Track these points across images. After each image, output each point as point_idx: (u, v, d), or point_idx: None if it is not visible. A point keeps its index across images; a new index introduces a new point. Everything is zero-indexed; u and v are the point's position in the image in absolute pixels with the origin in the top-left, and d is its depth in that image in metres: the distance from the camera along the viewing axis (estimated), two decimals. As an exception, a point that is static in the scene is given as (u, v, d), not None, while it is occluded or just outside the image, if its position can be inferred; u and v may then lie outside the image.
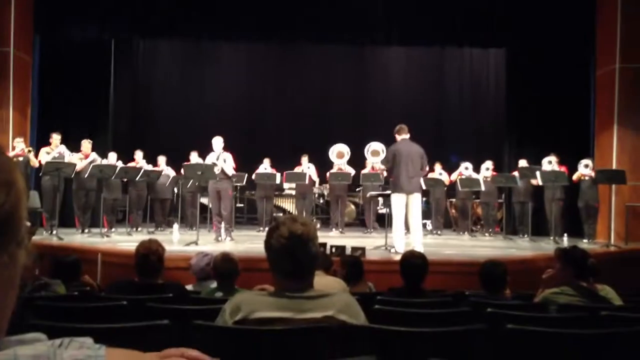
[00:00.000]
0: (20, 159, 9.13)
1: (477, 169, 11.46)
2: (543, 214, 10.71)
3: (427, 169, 8.01)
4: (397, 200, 7.53)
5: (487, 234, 11.26)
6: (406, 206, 7.52)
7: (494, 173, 11.09)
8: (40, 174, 9.17)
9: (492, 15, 10.61)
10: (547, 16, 10.48)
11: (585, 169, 9.78)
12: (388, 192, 7.94)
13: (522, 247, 9.18)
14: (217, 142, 8.87)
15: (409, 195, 7.47)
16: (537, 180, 9.78)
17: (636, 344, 2.38)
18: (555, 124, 11.12)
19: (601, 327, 2.64)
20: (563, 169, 9.83)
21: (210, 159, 8.81)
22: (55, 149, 9.51)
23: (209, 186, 8.87)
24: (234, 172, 9.09)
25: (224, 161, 8.73)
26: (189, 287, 4.25)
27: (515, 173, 10.42)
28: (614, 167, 9.71)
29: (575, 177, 9.85)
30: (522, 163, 10.55)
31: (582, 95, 11.04)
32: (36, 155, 9.51)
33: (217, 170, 8.57)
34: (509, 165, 11.67)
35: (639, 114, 9.86)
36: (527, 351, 2.38)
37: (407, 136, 7.65)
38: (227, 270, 3.73)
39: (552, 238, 9.50)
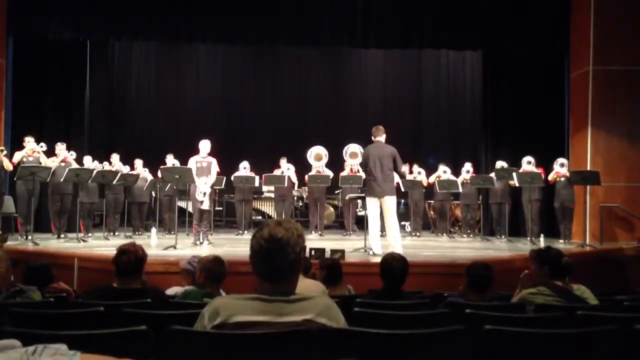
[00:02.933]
0: (-6, 162, 8.98)
1: (454, 170, 11.56)
2: (520, 214, 10.84)
3: (403, 168, 7.95)
4: (370, 203, 7.55)
5: (465, 235, 11.35)
6: (381, 209, 7.54)
7: (474, 175, 11.18)
8: (15, 178, 9.02)
9: (468, 18, 10.71)
10: (522, 19, 10.63)
11: (561, 168, 9.92)
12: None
13: (499, 247, 9.27)
14: (205, 145, 8.80)
15: (381, 199, 7.46)
16: (514, 182, 9.89)
17: (611, 342, 2.42)
18: (531, 125, 11.28)
19: (577, 326, 2.67)
20: (540, 170, 9.95)
21: (194, 160, 8.73)
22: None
23: (192, 189, 8.81)
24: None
25: (209, 164, 8.69)
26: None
27: (492, 174, 10.52)
28: (588, 168, 9.86)
29: (550, 177, 9.99)
30: (499, 164, 10.66)
31: (557, 97, 11.20)
32: (10, 157, 9.35)
33: (201, 197, 8.55)
34: (485, 166, 11.80)
35: (613, 116, 10.04)
36: (506, 351, 2.40)
37: (381, 138, 7.60)
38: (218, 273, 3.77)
39: (529, 239, 9.62)
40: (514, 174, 9.78)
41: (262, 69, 15.03)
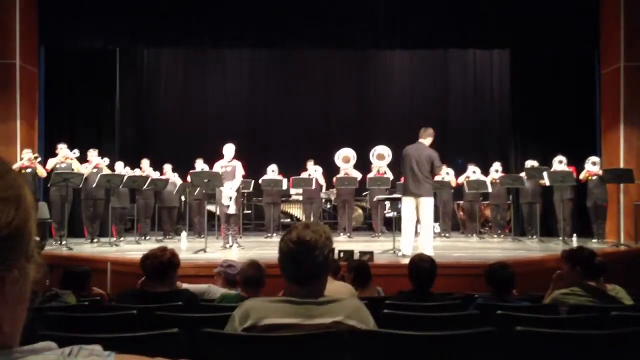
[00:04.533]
0: (28, 170, 9.18)
1: (483, 170, 11.43)
2: (552, 214, 10.67)
3: (439, 172, 7.89)
4: (405, 203, 7.49)
5: (495, 236, 11.22)
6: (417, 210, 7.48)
7: (503, 174, 11.03)
8: (49, 185, 9.22)
9: (495, 16, 10.60)
10: (550, 16, 10.47)
11: (593, 167, 9.74)
12: (395, 195, 7.94)
13: (531, 248, 9.14)
14: (229, 149, 8.83)
15: (417, 199, 7.41)
16: (545, 181, 9.74)
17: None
18: (561, 124, 11.10)
19: (612, 327, 2.63)
20: (571, 169, 9.79)
21: (218, 165, 8.79)
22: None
23: (217, 193, 8.86)
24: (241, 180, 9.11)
25: (234, 168, 8.73)
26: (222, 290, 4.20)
27: (523, 174, 10.38)
28: (621, 166, 9.67)
29: (582, 175, 9.82)
30: (529, 164, 10.52)
31: (587, 94, 11.00)
32: (44, 164, 9.57)
33: (227, 202, 8.61)
34: (515, 166, 11.64)
35: (645, 112, 9.83)
36: (538, 353, 2.37)
37: (425, 140, 7.55)
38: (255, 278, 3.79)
39: (561, 238, 9.46)
40: (545, 173, 9.63)
41: (287, 73, 15.08)
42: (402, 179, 7.75)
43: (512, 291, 3.65)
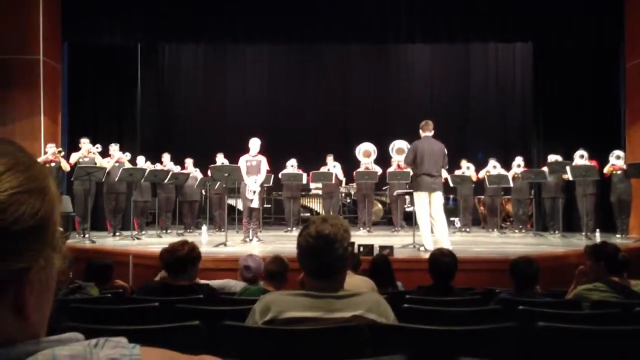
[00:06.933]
0: (52, 164, 9.31)
1: (504, 164, 11.33)
2: (574, 209, 10.53)
3: (447, 167, 7.95)
4: (419, 198, 7.45)
5: (516, 231, 11.12)
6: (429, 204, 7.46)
7: (525, 169, 10.91)
8: (72, 179, 9.35)
9: (517, 9, 10.47)
10: (574, 8, 10.30)
11: (617, 161, 9.59)
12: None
13: (553, 243, 9.05)
14: (255, 143, 8.85)
15: (431, 194, 7.39)
16: (567, 176, 9.62)
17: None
18: (585, 118, 10.95)
19: (635, 323, 2.59)
20: (594, 163, 9.65)
21: (243, 160, 8.81)
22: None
23: (242, 187, 8.90)
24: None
25: (259, 163, 8.75)
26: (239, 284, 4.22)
27: (545, 168, 10.26)
28: (646, 160, 9.50)
29: (606, 170, 9.67)
30: (552, 158, 10.38)
31: (611, 88, 10.83)
32: (67, 159, 9.70)
33: (251, 196, 8.64)
34: (537, 160, 11.51)
35: (671, 106, 9.65)
36: (560, 349, 2.35)
37: (430, 133, 7.53)
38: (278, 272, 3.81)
39: (584, 234, 9.35)
40: (568, 168, 9.51)
41: (307, 67, 15.08)
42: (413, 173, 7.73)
43: (535, 287, 3.62)
